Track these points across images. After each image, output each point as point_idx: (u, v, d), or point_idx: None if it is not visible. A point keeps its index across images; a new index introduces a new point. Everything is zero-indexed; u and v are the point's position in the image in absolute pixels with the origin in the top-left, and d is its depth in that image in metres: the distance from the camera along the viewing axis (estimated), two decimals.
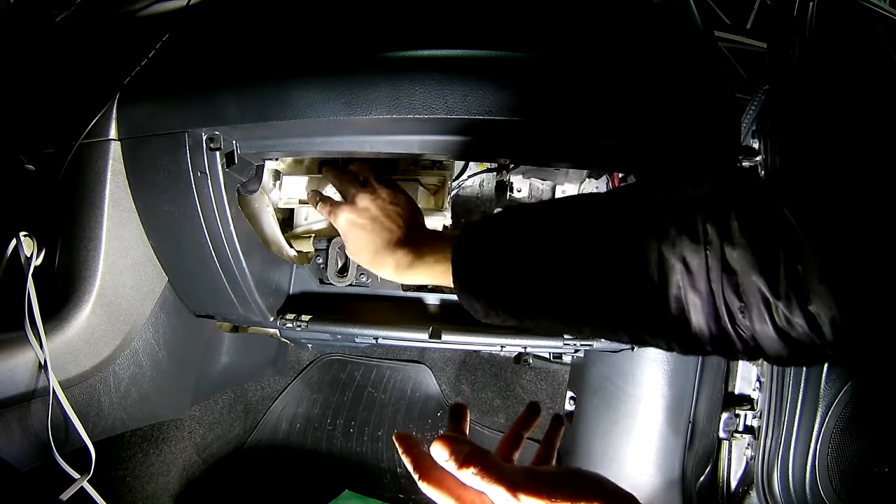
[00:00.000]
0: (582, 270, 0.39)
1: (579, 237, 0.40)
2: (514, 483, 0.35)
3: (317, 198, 0.67)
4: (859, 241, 0.30)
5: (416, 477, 0.38)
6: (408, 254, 0.56)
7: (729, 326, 0.34)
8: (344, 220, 0.61)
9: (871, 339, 0.31)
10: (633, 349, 0.73)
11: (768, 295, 0.32)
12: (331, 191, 0.71)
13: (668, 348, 0.38)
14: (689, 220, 0.35)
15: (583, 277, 0.39)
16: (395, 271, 0.56)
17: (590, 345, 0.74)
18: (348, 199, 0.63)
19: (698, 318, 0.35)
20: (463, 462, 0.36)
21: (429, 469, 0.38)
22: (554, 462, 0.48)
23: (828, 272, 0.30)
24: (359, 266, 0.76)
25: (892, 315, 0.30)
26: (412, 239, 0.57)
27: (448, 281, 0.50)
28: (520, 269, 0.42)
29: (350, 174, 0.67)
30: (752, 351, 0.35)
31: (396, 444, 0.41)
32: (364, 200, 0.61)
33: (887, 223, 0.30)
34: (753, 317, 0.33)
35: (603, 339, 0.40)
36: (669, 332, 0.37)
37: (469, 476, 0.36)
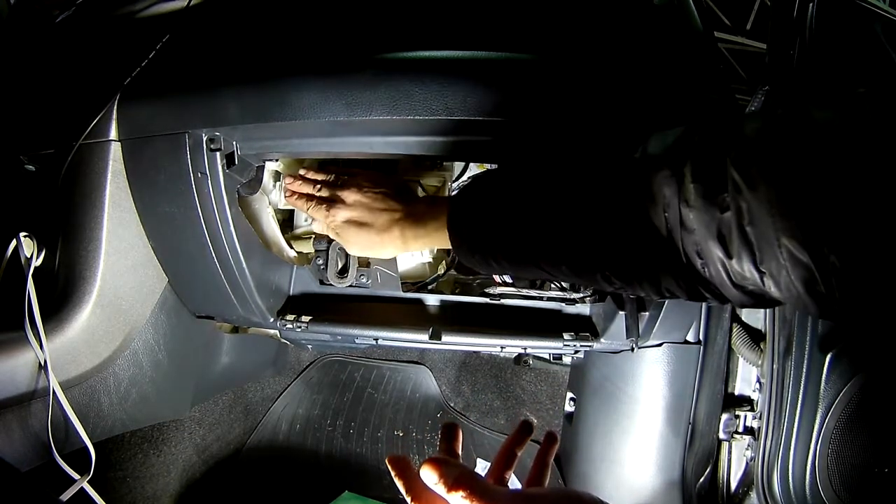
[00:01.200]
0: (568, 216, 0.42)
1: (564, 188, 0.43)
2: None
3: (310, 203, 0.65)
4: (807, 193, 0.30)
5: (408, 499, 0.39)
6: (409, 226, 0.58)
7: (694, 276, 0.36)
8: (340, 219, 0.61)
9: (829, 294, 0.30)
10: (633, 350, 0.73)
11: (722, 256, 0.33)
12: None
13: (657, 292, 0.40)
14: (649, 179, 0.37)
15: (570, 221, 0.42)
16: (402, 245, 0.58)
17: (590, 345, 0.74)
18: (336, 201, 0.63)
19: (670, 266, 0.37)
20: (452, 485, 0.36)
21: (420, 492, 0.38)
22: (549, 473, 0.48)
23: (777, 231, 0.30)
24: (359, 267, 0.76)
25: (849, 270, 0.29)
26: (409, 211, 0.59)
27: (448, 242, 0.53)
28: (512, 218, 0.46)
29: (319, 180, 0.67)
30: (720, 299, 0.37)
31: (389, 467, 0.41)
32: (351, 195, 0.61)
33: (836, 169, 0.29)
34: (712, 272, 0.35)
35: (585, 285, 0.43)
36: (651, 271, 0.39)
37: (458, 500, 0.36)
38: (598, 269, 0.42)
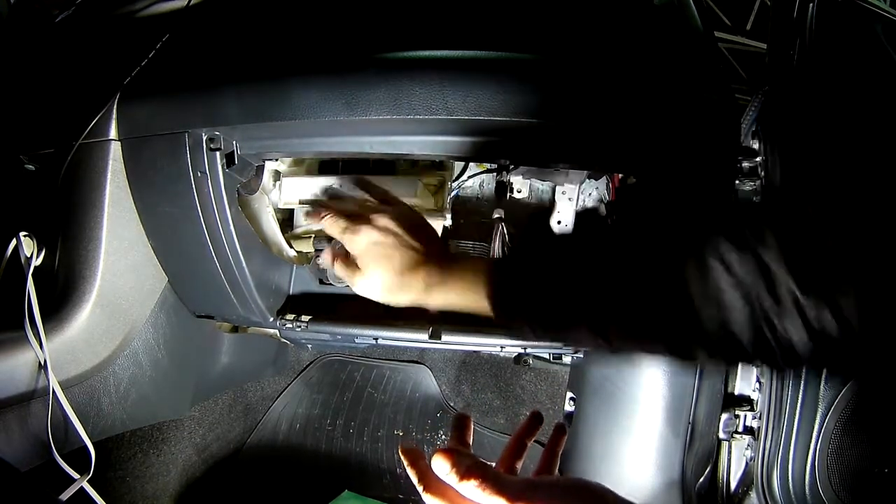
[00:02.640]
0: (625, 284, 0.40)
1: (620, 258, 0.42)
2: (514, 495, 0.36)
3: (327, 214, 0.57)
4: (877, 240, 0.32)
5: (420, 489, 0.39)
6: (437, 273, 0.52)
7: (764, 326, 0.35)
8: (365, 241, 0.53)
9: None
10: None
11: (797, 292, 0.33)
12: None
13: (713, 356, 0.39)
14: (731, 227, 0.37)
15: (627, 291, 0.40)
16: (423, 291, 0.52)
17: None
18: (365, 219, 0.55)
19: (737, 318, 0.35)
20: (463, 475, 0.37)
21: (432, 481, 0.39)
22: (557, 463, 0.48)
23: (848, 272, 0.32)
24: None
25: None
26: (441, 258, 0.54)
27: (475, 303, 0.49)
28: (562, 288, 0.44)
29: (356, 198, 0.61)
30: (787, 352, 0.35)
31: (402, 457, 0.41)
32: (384, 219, 0.54)
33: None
34: (785, 315, 0.34)
35: (648, 355, 0.42)
36: (711, 338, 0.37)
37: (470, 489, 0.37)
38: (666, 335, 0.40)
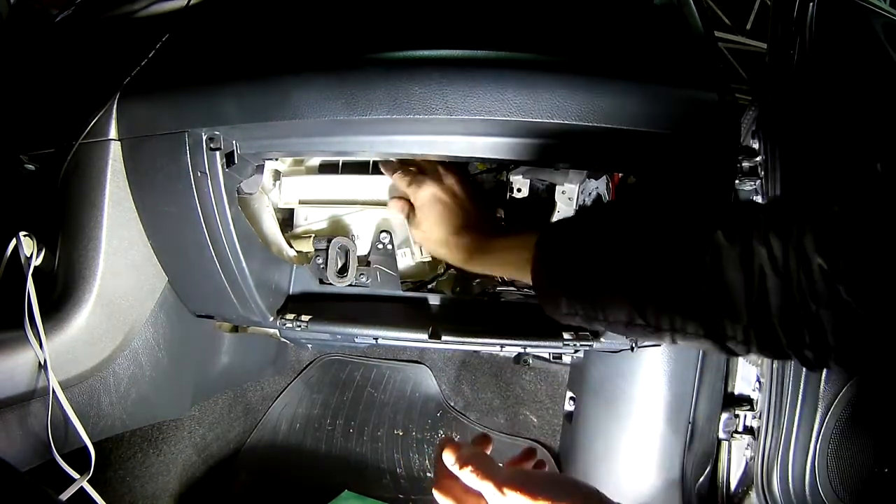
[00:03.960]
0: (668, 261, 0.41)
1: (662, 235, 0.43)
2: (502, 481, 0.42)
3: (395, 167, 0.64)
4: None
5: (434, 486, 0.47)
6: (485, 239, 0.57)
7: (802, 313, 0.36)
8: (428, 194, 0.60)
9: None
10: (632, 349, 0.73)
11: (836, 282, 0.34)
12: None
13: (745, 341, 0.39)
14: (777, 217, 0.38)
15: (669, 267, 0.41)
16: (469, 254, 0.57)
17: (590, 345, 0.74)
18: (431, 176, 0.61)
19: (776, 303, 0.36)
20: (463, 463, 0.44)
21: (441, 479, 0.47)
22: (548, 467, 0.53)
23: (878, 266, 0.33)
24: (359, 266, 0.76)
25: None
26: (489, 225, 0.59)
27: (518, 274, 0.53)
28: (606, 263, 0.45)
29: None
30: (818, 343, 0.36)
31: (440, 453, 0.49)
32: (450, 179, 0.60)
33: None
34: (821, 303, 0.35)
35: (680, 338, 0.42)
36: (752, 319, 0.38)
37: (467, 475, 0.44)
38: (704, 316, 0.41)
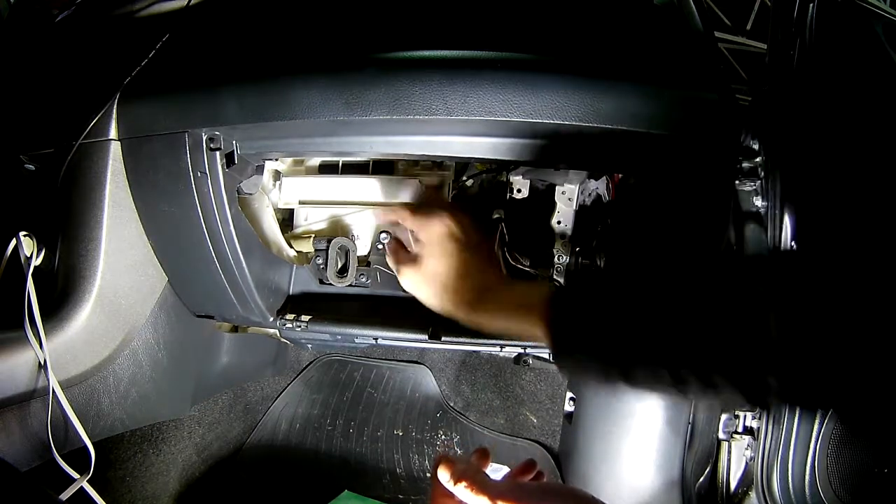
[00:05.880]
0: (709, 330, 0.41)
1: (701, 307, 0.42)
2: (496, 494, 0.43)
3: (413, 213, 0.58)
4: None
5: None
6: (488, 289, 0.52)
7: None
8: (441, 228, 0.54)
9: None
10: None
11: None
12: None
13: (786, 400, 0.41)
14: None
15: (709, 337, 0.41)
16: (471, 302, 0.52)
17: None
18: (437, 216, 0.56)
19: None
20: (458, 479, 0.45)
21: (437, 496, 0.47)
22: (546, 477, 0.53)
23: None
24: (359, 266, 0.76)
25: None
26: (498, 270, 0.55)
27: (524, 331, 0.49)
28: (636, 333, 0.44)
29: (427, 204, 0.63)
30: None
31: (435, 470, 0.48)
32: (463, 218, 0.55)
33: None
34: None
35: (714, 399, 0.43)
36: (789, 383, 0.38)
37: (461, 490, 0.44)
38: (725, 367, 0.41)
